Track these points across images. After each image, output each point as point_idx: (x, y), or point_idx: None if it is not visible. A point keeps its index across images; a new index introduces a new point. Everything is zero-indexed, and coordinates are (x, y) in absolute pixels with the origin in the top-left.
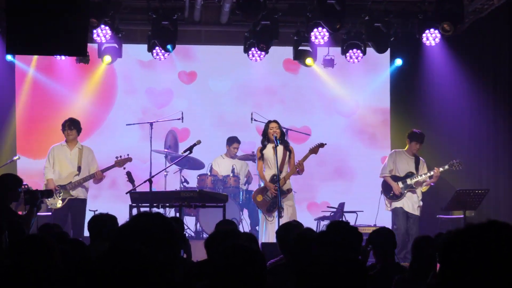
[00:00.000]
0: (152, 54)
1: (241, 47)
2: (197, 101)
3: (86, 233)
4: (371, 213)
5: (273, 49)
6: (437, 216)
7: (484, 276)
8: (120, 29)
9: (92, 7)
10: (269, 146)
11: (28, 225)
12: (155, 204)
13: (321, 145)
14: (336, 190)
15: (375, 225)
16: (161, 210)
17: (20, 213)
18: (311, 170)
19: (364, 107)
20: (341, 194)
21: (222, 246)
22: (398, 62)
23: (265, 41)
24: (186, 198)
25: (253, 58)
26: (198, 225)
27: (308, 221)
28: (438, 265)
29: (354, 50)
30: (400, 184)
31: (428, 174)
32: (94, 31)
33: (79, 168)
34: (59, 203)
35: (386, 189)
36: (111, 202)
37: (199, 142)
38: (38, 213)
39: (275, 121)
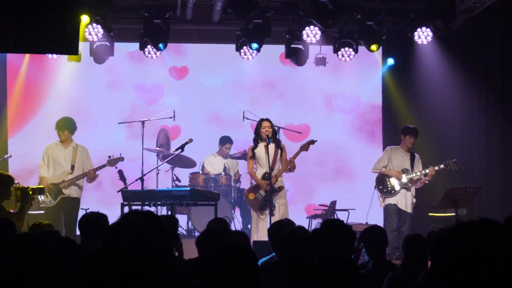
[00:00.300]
0: (144, 53)
1: (233, 46)
2: (189, 98)
3: (79, 231)
4: (363, 211)
5: (265, 47)
6: (429, 214)
7: (475, 273)
8: (112, 27)
9: (84, 6)
10: (261, 145)
11: (20, 222)
12: (146, 203)
13: (312, 142)
14: (336, 190)
15: (366, 223)
16: (152, 209)
17: (11, 211)
18: (310, 169)
19: (355, 105)
20: (341, 194)
21: (214, 244)
22: (390, 61)
23: (257, 40)
24: (178, 197)
25: (245, 57)
26: (190, 223)
27: (300, 219)
28: (430, 262)
29: (346, 48)
30: (394, 181)
31: (423, 172)
32: (86, 29)
33: (72, 167)
34: (51, 201)
35: (381, 184)
36: (97, 202)
37: (191, 140)
38: (31, 211)
39: (267, 120)
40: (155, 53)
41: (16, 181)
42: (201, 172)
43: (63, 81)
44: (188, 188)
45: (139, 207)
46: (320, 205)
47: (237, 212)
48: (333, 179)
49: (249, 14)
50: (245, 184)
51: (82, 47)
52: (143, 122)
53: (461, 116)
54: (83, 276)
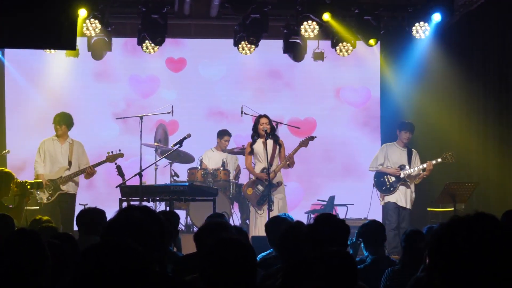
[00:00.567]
0: (142, 48)
1: (231, 41)
2: (187, 91)
3: (76, 227)
4: (362, 206)
5: (263, 42)
6: (427, 209)
7: (472, 268)
8: (110, 22)
9: (82, 0)
10: (259, 141)
11: (19, 217)
12: (145, 198)
13: (311, 138)
14: (342, 187)
15: (365, 218)
16: (151, 204)
17: (10, 206)
18: (316, 166)
19: (364, 99)
20: (346, 190)
21: (211, 239)
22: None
23: (255, 35)
24: (177, 192)
25: (243, 52)
26: (188, 219)
27: (299, 214)
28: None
29: (344, 43)
30: (393, 178)
31: (421, 167)
32: (84, 24)
33: (69, 163)
34: (49, 198)
35: (379, 182)
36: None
37: (189, 135)
38: (27, 207)
39: (265, 116)
40: (153, 48)
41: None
42: (199, 167)
43: (56, 74)
44: (187, 184)
45: (137, 203)
46: (318, 200)
47: (235, 207)
48: (341, 176)
49: (247, 9)
50: (244, 179)
51: (80, 42)
52: (141, 118)
53: (459, 110)
54: (80, 271)
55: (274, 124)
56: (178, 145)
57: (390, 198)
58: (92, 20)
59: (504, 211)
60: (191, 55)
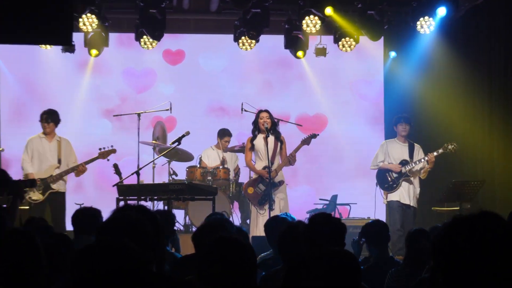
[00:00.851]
0: (140, 43)
1: (231, 36)
2: (185, 85)
3: (68, 227)
4: (367, 205)
5: (265, 37)
6: (432, 208)
7: (476, 268)
8: (107, 17)
9: None
10: (260, 137)
11: (14, 217)
12: (142, 197)
13: (314, 136)
14: (354, 187)
15: (368, 218)
16: (148, 203)
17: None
18: (326, 166)
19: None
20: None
21: (210, 238)
22: (393, 54)
23: (256, 29)
24: (175, 191)
25: (243, 47)
26: (187, 218)
27: (301, 214)
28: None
29: (347, 38)
30: (395, 174)
31: (422, 160)
32: (80, 19)
33: (59, 161)
34: (40, 197)
35: (381, 180)
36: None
37: (187, 133)
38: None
39: (266, 111)
40: (151, 44)
41: None
42: (198, 165)
43: (45, 69)
44: (185, 182)
45: (135, 202)
46: (320, 199)
47: (235, 207)
48: (352, 176)
49: (247, 4)
50: (244, 178)
51: (76, 37)
52: (139, 115)
53: (464, 105)
54: (75, 272)
55: (275, 120)
56: (177, 143)
57: (393, 196)
58: (88, 15)
59: (511, 210)
60: (190, 47)
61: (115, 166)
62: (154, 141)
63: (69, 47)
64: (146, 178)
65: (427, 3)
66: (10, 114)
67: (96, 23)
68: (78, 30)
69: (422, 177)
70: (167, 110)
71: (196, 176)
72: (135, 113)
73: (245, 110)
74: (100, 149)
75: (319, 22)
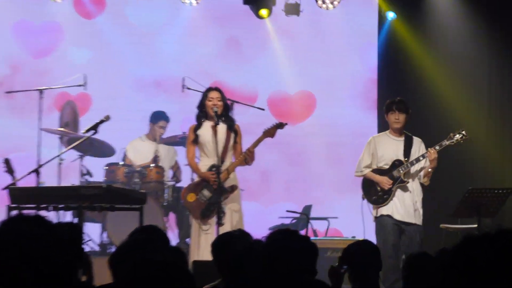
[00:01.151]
0: None
1: None
2: (106, 49)
3: None
4: (351, 220)
5: None
6: (441, 225)
7: None
8: None
9: None
10: (207, 125)
11: None
12: (43, 205)
13: (280, 125)
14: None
15: (353, 237)
16: (52, 214)
17: None
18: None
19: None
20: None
21: (132, 262)
22: (390, 15)
23: None
24: (89, 197)
25: (187, 2)
26: (104, 235)
27: (262, 231)
28: None
29: None
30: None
31: (421, 159)
32: None
33: None
34: None
35: (368, 190)
36: None
37: (107, 118)
38: None
39: (217, 90)
40: None
41: None
42: (121, 162)
43: None
44: (103, 185)
45: (32, 211)
46: (288, 211)
47: (171, 221)
48: (334, 182)
49: None
50: (186, 180)
51: None
52: (41, 92)
53: (487, 93)
54: None
55: (228, 102)
56: (92, 131)
57: (384, 210)
58: None
59: None
60: None
61: (6, 162)
62: (61, 129)
63: None
64: (49, 179)
65: None
66: None
67: None
68: None
69: (424, 182)
70: (80, 85)
71: (119, 177)
72: (35, 89)
73: (188, 88)
74: None
75: None
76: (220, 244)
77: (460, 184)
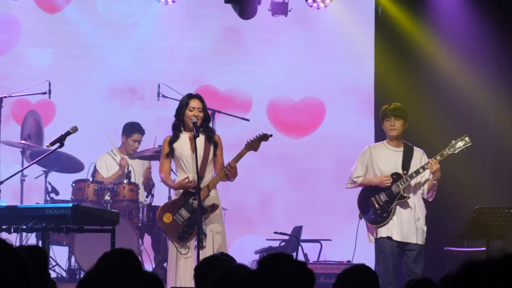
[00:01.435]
0: None
1: None
2: (72, 49)
3: None
4: (345, 243)
5: None
6: (445, 248)
7: None
8: None
9: None
10: (184, 137)
11: None
12: (4, 227)
13: (264, 137)
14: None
15: (348, 262)
16: (13, 236)
17: None
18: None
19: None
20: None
21: None
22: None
23: None
24: (55, 217)
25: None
26: (72, 260)
27: (247, 254)
28: None
29: None
30: (383, 196)
31: (421, 171)
32: None
33: None
34: None
35: (364, 207)
36: None
37: (75, 129)
38: None
39: (197, 98)
40: None
41: None
42: (91, 179)
43: None
44: (70, 205)
45: None
46: (276, 233)
47: (147, 243)
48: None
49: None
50: (162, 198)
51: None
52: (1, 99)
53: (498, 93)
54: None
55: (209, 112)
56: (58, 144)
57: (383, 232)
58: None
59: None
60: None
61: None
62: (23, 141)
63: None
64: (10, 197)
65: None
66: None
67: None
68: None
69: (428, 198)
70: (44, 93)
71: (88, 195)
72: None
73: (163, 96)
74: None
75: None
76: (204, 269)
77: (466, 201)
